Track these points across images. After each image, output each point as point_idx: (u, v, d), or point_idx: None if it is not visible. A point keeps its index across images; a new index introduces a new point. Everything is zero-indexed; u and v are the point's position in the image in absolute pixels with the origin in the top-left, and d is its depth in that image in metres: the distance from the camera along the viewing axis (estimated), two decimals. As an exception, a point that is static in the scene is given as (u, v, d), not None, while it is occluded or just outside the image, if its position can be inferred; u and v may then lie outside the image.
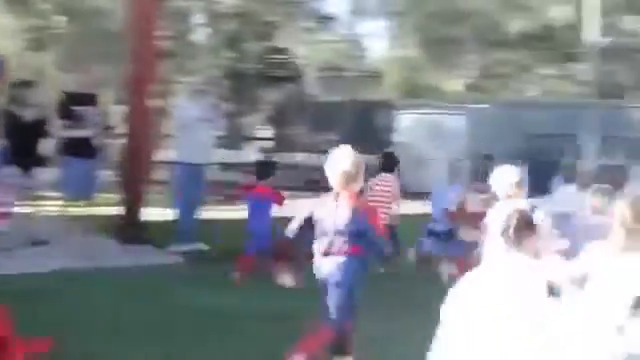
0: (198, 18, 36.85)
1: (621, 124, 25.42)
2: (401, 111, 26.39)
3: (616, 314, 4.34)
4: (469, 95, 35.47)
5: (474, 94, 35.46)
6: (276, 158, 25.55)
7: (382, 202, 11.02)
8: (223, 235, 12.49)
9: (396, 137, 25.04)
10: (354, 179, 6.22)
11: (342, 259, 6.11)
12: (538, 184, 20.16)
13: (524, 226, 4.65)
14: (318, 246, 6.24)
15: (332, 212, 6.15)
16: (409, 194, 19.53)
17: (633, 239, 4.68)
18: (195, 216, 12.48)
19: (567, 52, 33.61)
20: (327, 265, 6.17)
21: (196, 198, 12.53)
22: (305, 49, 40.40)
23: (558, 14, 32.82)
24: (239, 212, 15.46)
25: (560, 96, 36.71)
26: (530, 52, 34.77)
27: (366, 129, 25.04)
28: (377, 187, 11.39)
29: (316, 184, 18.82)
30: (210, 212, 13.60)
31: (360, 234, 6.09)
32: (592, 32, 25.51)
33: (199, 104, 12.52)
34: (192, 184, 12.36)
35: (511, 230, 4.63)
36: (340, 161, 6.24)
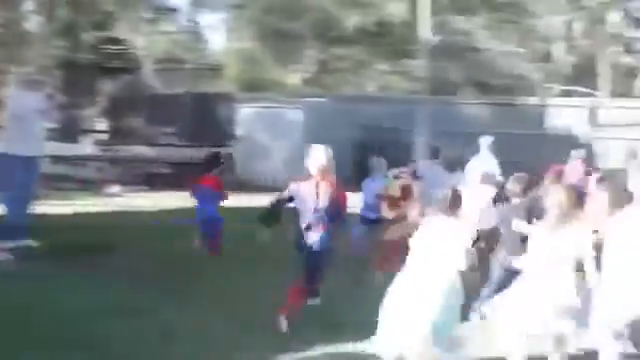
0: (30, 5, 35.46)
1: (452, 119, 26.54)
2: (241, 104, 26.43)
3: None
4: (307, 89, 35.95)
5: (312, 88, 35.99)
6: (113, 151, 25.11)
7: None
8: (53, 230, 12.18)
9: (237, 130, 25.05)
10: (329, 171, 8.26)
11: (322, 233, 8.02)
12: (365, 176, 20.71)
13: (457, 199, 6.73)
14: (302, 222, 8.06)
15: (313, 195, 8.06)
16: (252, 187, 19.70)
17: (564, 219, 6.43)
18: (27, 211, 12.06)
19: (402, 49, 34.64)
20: (311, 237, 8.03)
21: (28, 192, 12.11)
22: (144, 40, 39.70)
23: (394, 11, 33.75)
24: (70, 207, 15.06)
25: (395, 91, 37.87)
26: (367, 48, 35.61)
27: (206, 122, 24.93)
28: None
29: (154, 178, 18.56)
30: (42, 207, 13.20)
31: (334, 214, 8.10)
32: (425, 30, 26.43)
33: (32, 94, 12.12)
34: (24, 177, 11.93)
35: (447, 202, 6.70)
36: (319, 157, 8.28)
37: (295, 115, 24.77)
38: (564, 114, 25.61)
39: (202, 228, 12.15)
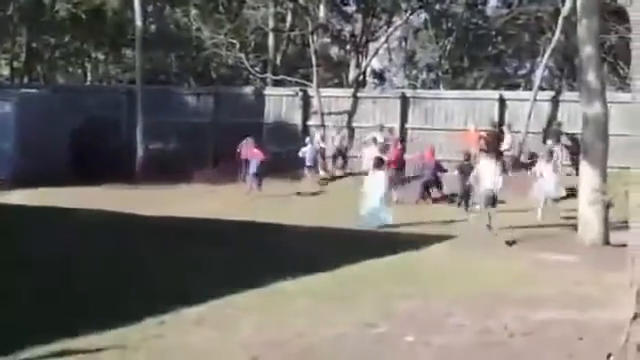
0: None
1: (168, 109, 26.62)
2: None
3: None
4: (17, 79, 34.31)
5: (23, 78, 34.42)
6: None
7: None
8: None
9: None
10: None
11: None
12: (84, 167, 20.34)
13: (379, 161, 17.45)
14: None
15: None
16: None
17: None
18: None
19: (118, 38, 34.09)
20: None
21: None
22: None
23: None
24: None
25: (113, 81, 37.24)
26: (82, 37, 34.61)
27: None
28: None
29: None
30: None
31: None
32: (139, 18, 26.28)
33: None
34: None
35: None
36: None
37: (8, 107, 23.59)
38: (278, 103, 26.65)
39: None
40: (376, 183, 16.60)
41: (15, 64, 35.40)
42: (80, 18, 33.17)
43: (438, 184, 20.78)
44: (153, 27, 33.20)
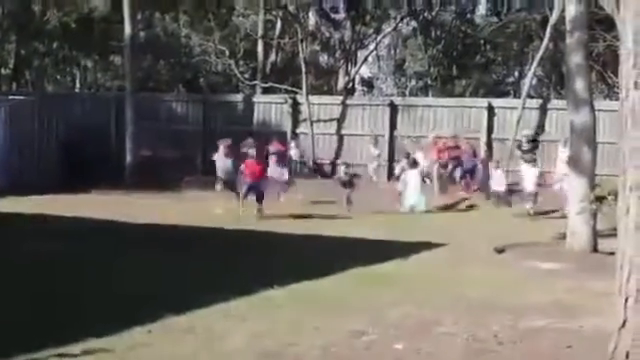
0: None
1: (158, 116, 26.61)
2: None
3: None
4: (6, 86, 34.20)
5: (11, 85, 34.33)
6: None
7: None
8: None
9: None
10: None
11: None
12: (73, 174, 20.32)
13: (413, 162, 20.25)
14: None
15: None
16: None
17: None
18: None
19: (107, 45, 34.03)
20: None
21: None
22: None
23: (97, 5, 33.05)
24: None
25: (102, 88, 37.16)
26: (70, 44, 34.55)
27: None
28: None
29: None
30: None
31: None
32: (128, 26, 26.25)
33: None
34: None
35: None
36: None
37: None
38: (267, 110, 26.66)
39: None
40: (412, 178, 19.49)
41: (3, 71, 35.32)
42: (69, 25, 33.12)
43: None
44: (142, 34, 33.14)
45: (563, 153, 18.84)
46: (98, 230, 14.81)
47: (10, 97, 25.94)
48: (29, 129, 23.57)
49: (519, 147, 21.03)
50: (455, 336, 7.84)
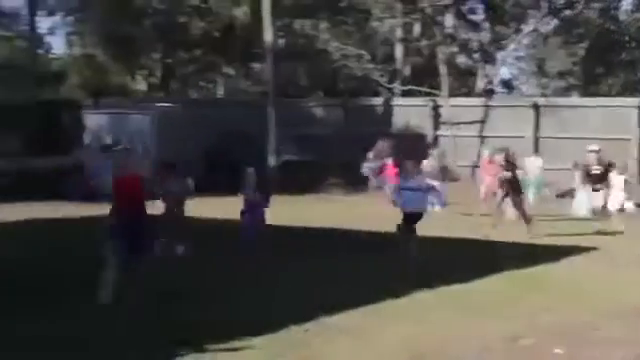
0: None
1: (298, 121, 27.00)
2: (88, 110, 25.84)
3: None
4: (154, 94, 35.54)
5: (158, 93, 35.62)
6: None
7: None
8: None
9: (86, 137, 24.45)
10: None
11: None
12: (217, 178, 20.83)
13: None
14: None
15: None
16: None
17: None
18: None
19: (248, 52, 34.85)
20: None
21: None
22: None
23: (238, 14, 33.90)
24: None
25: (243, 95, 38.07)
26: (213, 52, 35.58)
27: (52, 130, 24.13)
28: None
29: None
30: None
31: None
32: (269, 32, 26.81)
33: None
34: None
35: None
36: None
37: (145, 120, 24.47)
38: (407, 113, 26.59)
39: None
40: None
41: (151, 80, 36.76)
42: (212, 34, 34.12)
43: None
44: (282, 41, 33.74)
45: None
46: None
47: (158, 104, 26.94)
48: (176, 135, 24.40)
49: None
50: (616, 341, 7.59)
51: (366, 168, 20.03)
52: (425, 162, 18.31)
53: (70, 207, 18.77)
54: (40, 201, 18.95)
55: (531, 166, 19.29)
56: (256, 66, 37.17)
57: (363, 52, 30.95)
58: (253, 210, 12.45)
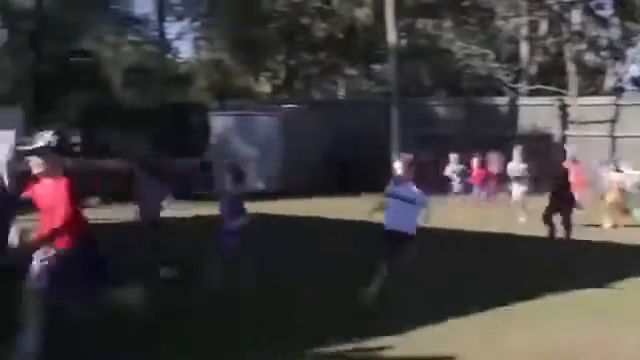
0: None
1: (423, 121, 26.81)
2: (214, 113, 26.48)
3: None
4: (278, 96, 36.07)
5: (282, 95, 36.13)
6: (87, 165, 25.00)
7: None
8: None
9: (212, 139, 25.08)
10: None
11: None
12: (342, 179, 20.78)
13: None
14: None
15: None
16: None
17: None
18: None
19: (370, 53, 34.93)
20: None
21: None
22: (111, 51, 39.58)
23: (360, 16, 34.03)
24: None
25: (365, 95, 38.14)
26: (336, 53, 35.83)
27: (180, 132, 24.93)
28: None
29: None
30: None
31: None
32: (392, 34, 26.76)
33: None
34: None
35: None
36: None
37: (272, 122, 24.88)
38: (533, 113, 26.00)
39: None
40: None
41: (274, 82, 37.32)
42: (335, 36, 34.35)
43: None
44: (404, 41, 33.65)
45: None
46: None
47: (283, 106, 27.33)
48: (301, 136, 24.70)
49: None
50: None
51: (450, 171, 19.52)
52: (511, 164, 17.23)
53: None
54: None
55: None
56: (377, 67, 37.20)
57: (487, 51, 30.48)
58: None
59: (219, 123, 25.43)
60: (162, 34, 35.84)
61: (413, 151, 22.18)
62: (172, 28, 49.24)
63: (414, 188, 8.95)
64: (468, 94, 32.17)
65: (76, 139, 29.77)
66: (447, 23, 33.70)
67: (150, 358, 6.73)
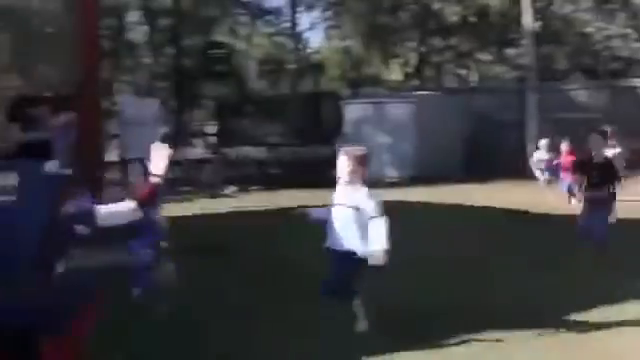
0: (133, 15, 36.50)
1: (559, 106, 25.97)
2: (347, 101, 26.48)
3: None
4: (409, 83, 35.81)
5: (413, 82, 35.84)
6: (223, 154, 25.54)
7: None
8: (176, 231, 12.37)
9: (346, 127, 25.07)
10: None
11: None
12: (476, 165, 20.27)
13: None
14: None
15: None
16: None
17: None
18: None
19: (504, 37, 34.14)
20: None
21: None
22: (245, 43, 40.31)
23: (492, 3, 33.33)
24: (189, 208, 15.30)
25: (499, 81, 37.33)
26: (468, 38, 35.24)
27: (314, 120, 25.00)
28: None
29: (266, 178, 18.73)
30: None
31: None
32: (527, 16, 26.00)
33: (146, 101, 12.47)
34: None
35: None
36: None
37: (406, 109, 24.70)
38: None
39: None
40: None
41: (405, 69, 37.06)
42: (467, 20, 33.76)
43: None
44: (537, 24, 32.72)
45: None
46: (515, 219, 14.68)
47: (417, 92, 27.07)
48: (435, 122, 24.40)
49: None
50: None
51: (536, 160, 17.99)
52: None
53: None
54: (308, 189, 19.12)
55: None
56: (511, 51, 36.31)
57: (629, 30, 29.21)
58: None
59: (351, 112, 25.40)
60: (294, 24, 36.20)
61: (555, 137, 20.87)
62: (303, 18, 49.78)
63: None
64: (605, 77, 30.93)
65: (212, 129, 30.50)
66: (584, 4, 32.52)
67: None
